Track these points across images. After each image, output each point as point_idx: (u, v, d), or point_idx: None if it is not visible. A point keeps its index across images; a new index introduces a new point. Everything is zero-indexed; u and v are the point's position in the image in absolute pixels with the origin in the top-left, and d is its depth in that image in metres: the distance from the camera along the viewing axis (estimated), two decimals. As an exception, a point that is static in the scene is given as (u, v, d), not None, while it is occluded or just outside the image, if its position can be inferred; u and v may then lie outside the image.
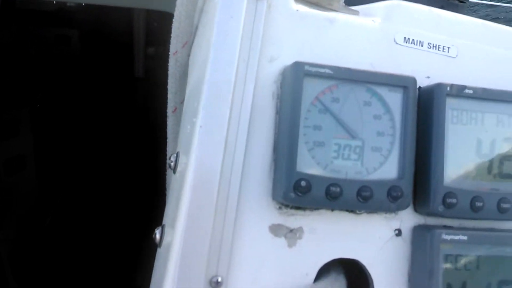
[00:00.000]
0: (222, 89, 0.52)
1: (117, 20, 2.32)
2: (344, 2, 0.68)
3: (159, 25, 2.32)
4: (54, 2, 2.03)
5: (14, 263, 1.86)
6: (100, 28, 2.35)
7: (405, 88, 0.57)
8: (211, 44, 0.53)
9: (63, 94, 2.44)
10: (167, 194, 0.67)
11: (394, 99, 0.57)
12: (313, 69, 0.53)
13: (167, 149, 0.70)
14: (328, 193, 0.52)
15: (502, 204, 0.58)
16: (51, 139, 2.33)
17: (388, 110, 0.56)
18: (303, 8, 0.59)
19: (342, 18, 0.60)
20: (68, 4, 2.37)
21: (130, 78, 2.51)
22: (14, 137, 2.03)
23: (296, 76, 0.53)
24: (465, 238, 0.57)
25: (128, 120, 2.41)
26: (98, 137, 2.42)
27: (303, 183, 0.52)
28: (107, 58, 2.47)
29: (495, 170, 0.60)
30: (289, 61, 0.56)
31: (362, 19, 0.62)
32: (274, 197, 0.54)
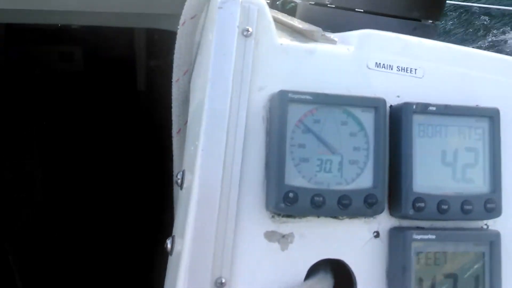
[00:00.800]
0: (219, 116, 0.60)
1: (118, 34, 2.38)
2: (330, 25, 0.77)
3: (160, 39, 2.38)
4: (59, 25, 2.10)
5: (24, 276, 1.91)
6: (101, 43, 2.41)
7: (376, 108, 0.65)
8: (208, 78, 0.61)
9: (69, 110, 2.50)
10: (174, 207, 0.75)
11: (367, 118, 0.65)
12: (296, 96, 0.62)
13: (173, 166, 0.78)
14: (313, 202, 0.61)
15: (465, 206, 0.66)
16: (59, 155, 2.38)
17: (362, 128, 0.65)
18: (286, 42, 0.67)
19: (320, 48, 0.68)
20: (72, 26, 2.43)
21: (133, 92, 2.57)
22: (21, 155, 2.08)
23: (282, 102, 0.62)
24: (433, 237, 0.65)
25: (133, 132, 2.47)
26: (105, 148, 2.47)
27: (291, 195, 0.60)
28: (109, 73, 2.53)
29: (458, 176, 0.68)
30: (275, 89, 0.64)
31: (338, 47, 0.70)
32: (267, 207, 0.62)
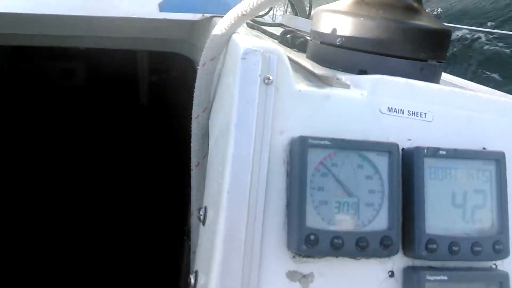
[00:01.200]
0: (244, 160, 0.64)
1: (121, 53, 2.43)
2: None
3: (161, 56, 2.45)
4: (66, 47, 2.16)
5: None
6: (104, 59, 2.46)
7: (390, 153, 0.68)
8: (232, 124, 0.64)
9: (74, 125, 2.54)
10: (192, 240, 0.78)
11: (382, 162, 0.68)
12: (315, 142, 0.65)
13: (191, 198, 0.81)
14: (332, 244, 0.63)
15: (475, 248, 0.69)
16: (63, 170, 2.39)
17: (377, 171, 0.68)
18: (303, 87, 0.71)
19: (335, 93, 0.72)
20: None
21: (136, 107, 2.62)
22: (25, 170, 2.09)
23: (302, 147, 0.65)
24: (445, 278, 0.67)
25: (138, 145, 2.50)
26: (110, 159, 2.50)
27: (312, 237, 0.62)
28: (112, 89, 2.59)
29: (468, 217, 0.71)
30: (295, 133, 0.67)
31: (352, 92, 0.73)
32: (289, 247, 0.65)
